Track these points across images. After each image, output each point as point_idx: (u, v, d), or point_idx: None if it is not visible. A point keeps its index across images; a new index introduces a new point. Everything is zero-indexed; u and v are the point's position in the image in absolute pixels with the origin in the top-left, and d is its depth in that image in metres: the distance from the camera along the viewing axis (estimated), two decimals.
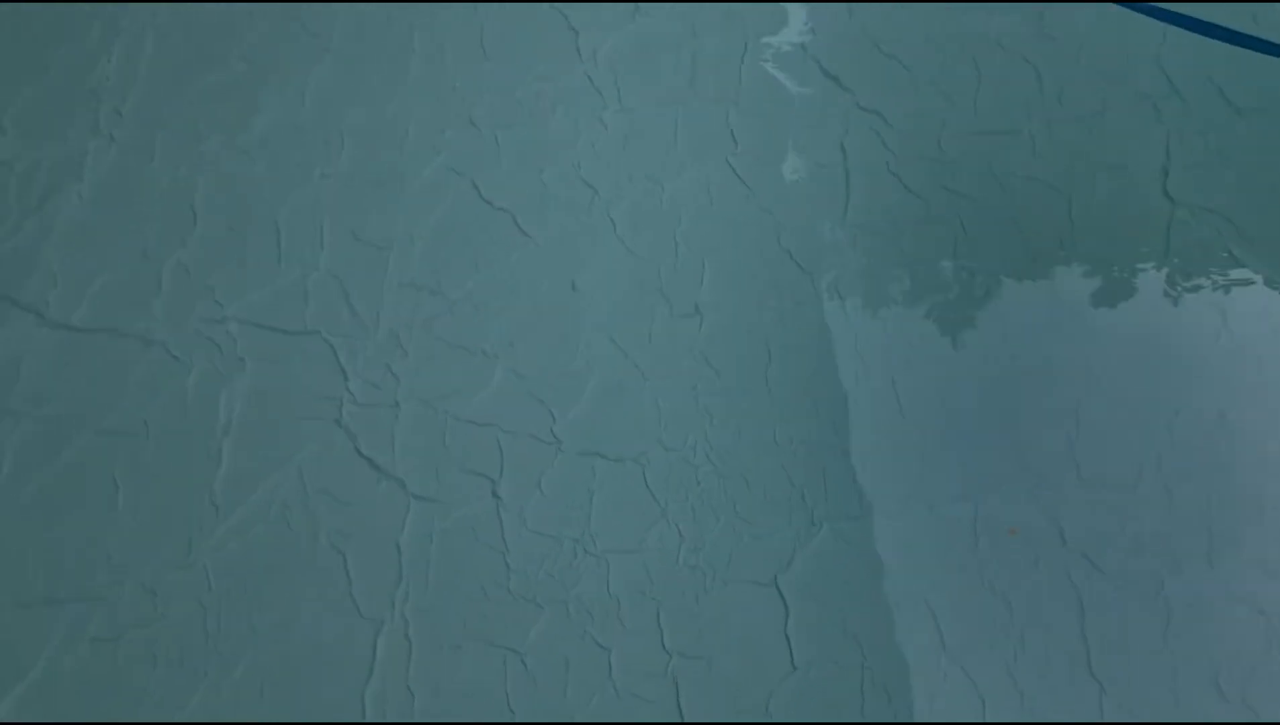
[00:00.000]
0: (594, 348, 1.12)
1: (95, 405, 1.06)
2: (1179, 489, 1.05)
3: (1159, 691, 0.97)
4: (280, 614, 0.96)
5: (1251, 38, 1.33)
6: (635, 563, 0.99)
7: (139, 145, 1.10)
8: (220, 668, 0.94)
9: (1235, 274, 1.16)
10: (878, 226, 1.20)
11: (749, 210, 1.21)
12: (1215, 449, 1.07)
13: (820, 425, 1.07)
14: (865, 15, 1.33)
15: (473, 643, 0.96)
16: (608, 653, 0.97)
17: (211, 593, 0.97)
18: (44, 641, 0.95)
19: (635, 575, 0.99)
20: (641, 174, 1.22)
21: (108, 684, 0.94)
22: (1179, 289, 1.16)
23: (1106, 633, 0.99)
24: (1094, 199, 1.21)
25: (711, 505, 1.02)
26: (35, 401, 1.08)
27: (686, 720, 0.93)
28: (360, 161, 1.16)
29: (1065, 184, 1.22)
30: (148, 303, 1.08)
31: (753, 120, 1.27)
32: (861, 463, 1.06)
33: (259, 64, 1.21)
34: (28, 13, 1.18)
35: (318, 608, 0.97)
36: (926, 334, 1.13)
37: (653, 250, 1.18)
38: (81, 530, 1.00)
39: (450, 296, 1.13)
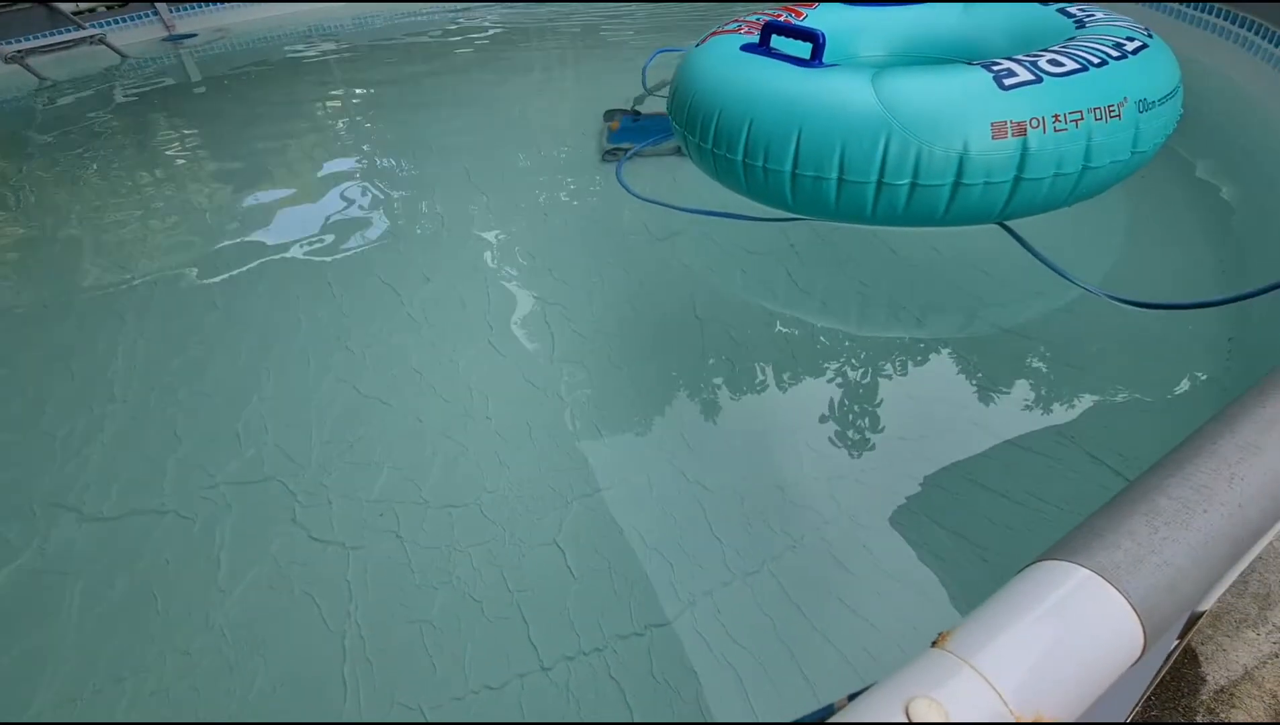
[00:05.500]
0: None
1: (135, 544, 1.74)
2: None
3: None
4: (280, 626, 1.66)
5: None
6: (482, 553, 1.89)
7: (138, 404, 1.92)
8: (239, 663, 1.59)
9: None
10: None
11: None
12: None
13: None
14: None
15: (398, 621, 1.73)
16: (480, 604, 1.81)
17: (228, 636, 1.65)
18: None
19: (484, 559, 1.88)
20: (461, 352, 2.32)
21: None
22: None
23: None
24: None
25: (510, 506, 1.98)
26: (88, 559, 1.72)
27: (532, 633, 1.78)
28: (283, 386, 2.15)
29: None
30: (160, 486, 1.82)
31: None
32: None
33: (207, 344, 2.16)
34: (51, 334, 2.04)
35: (306, 624, 1.69)
36: None
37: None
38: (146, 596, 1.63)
39: (348, 441, 2.05)
